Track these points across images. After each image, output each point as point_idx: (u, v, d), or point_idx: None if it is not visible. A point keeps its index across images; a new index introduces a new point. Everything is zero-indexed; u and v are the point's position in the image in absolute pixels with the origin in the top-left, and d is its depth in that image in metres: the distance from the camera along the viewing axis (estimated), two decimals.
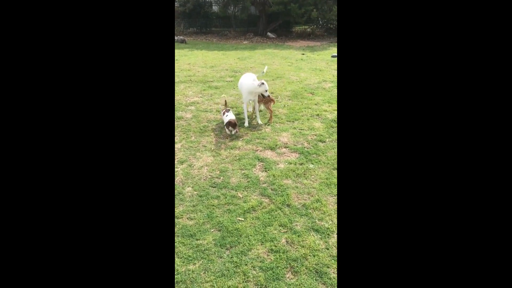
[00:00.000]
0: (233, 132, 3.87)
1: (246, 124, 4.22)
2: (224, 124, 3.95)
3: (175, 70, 7.20)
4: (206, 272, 1.98)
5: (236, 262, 2.05)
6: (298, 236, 2.28)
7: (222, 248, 2.17)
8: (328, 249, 2.16)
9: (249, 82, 4.09)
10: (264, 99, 4.21)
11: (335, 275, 1.95)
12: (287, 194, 2.75)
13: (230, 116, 3.96)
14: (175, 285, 1.89)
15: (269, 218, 2.46)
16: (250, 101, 4.34)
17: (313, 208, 2.58)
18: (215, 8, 15.47)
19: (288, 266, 2.03)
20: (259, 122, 4.29)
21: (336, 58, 8.86)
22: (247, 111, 4.30)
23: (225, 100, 4.54)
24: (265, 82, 4.03)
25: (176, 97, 5.34)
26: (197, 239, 2.25)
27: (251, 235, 2.28)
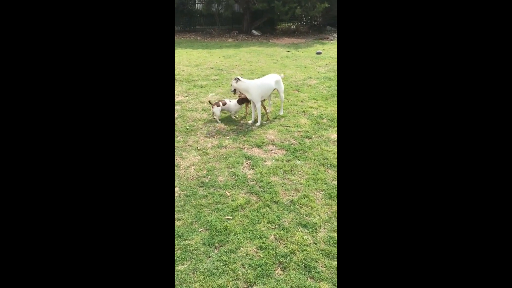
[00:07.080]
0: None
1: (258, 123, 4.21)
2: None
3: None
4: (195, 272, 1.97)
5: (225, 260, 2.05)
6: (286, 232, 2.29)
7: (210, 247, 2.16)
8: (316, 243, 2.18)
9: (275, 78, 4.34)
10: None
11: (324, 269, 1.98)
12: (274, 191, 2.77)
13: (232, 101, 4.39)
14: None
15: (257, 216, 2.47)
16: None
17: (300, 204, 2.60)
18: (198, 6, 15.30)
19: (277, 262, 2.04)
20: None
21: (320, 55, 8.91)
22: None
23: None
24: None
25: None
26: (185, 239, 2.23)
27: (239, 233, 2.28)
